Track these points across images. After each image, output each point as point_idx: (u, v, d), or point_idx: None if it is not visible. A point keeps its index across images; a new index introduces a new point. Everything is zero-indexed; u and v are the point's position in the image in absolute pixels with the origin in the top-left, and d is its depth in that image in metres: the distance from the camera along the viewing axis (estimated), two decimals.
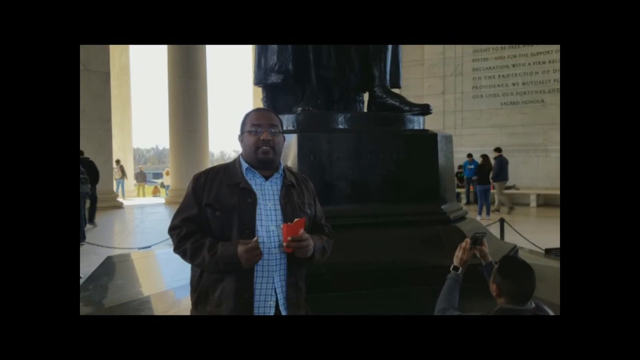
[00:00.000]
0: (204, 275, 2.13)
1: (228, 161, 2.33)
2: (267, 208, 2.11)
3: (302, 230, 2.02)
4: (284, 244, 2.00)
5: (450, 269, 2.47)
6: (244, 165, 2.18)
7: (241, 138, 2.22)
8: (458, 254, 2.48)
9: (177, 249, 2.13)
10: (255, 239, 1.99)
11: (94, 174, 12.18)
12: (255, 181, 2.15)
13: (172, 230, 2.16)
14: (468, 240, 2.51)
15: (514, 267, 2.12)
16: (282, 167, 2.23)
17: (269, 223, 2.09)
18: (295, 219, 2.03)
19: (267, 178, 2.17)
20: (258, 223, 2.07)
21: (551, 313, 2.03)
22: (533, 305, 2.05)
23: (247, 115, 2.23)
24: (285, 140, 2.30)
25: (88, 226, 11.48)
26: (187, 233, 2.10)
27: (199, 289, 2.14)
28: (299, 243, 2.00)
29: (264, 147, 2.12)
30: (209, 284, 2.11)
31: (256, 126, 2.15)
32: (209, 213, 2.10)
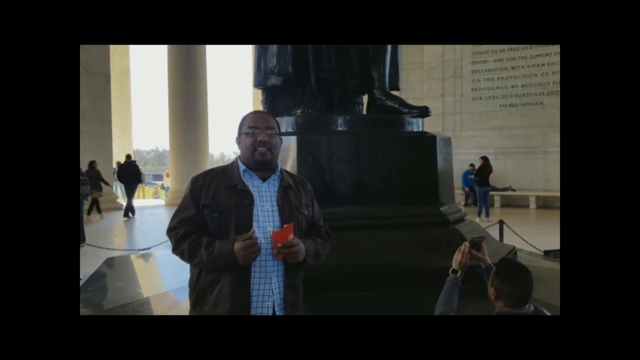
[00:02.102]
0: (201, 277, 2.14)
1: (228, 163, 2.34)
2: (265, 209, 2.13)
3: (291, 236, 2.03)
4: (274, 250, 2.02)
5: (449, 272, 2.46)
6: (242, 167, 2.20)
7: (239, 140, 2.24)
8: (457, 257, 2.46)
9: (175, 250, 2.15)
10: (251, 232, 2.00)
11: (138, 175, 15.47)
12: (253, 183, 2.17)
13: (170, 231, 2.17)
14: (467, 243, 2.50)
15: (512, 269, 2.12)
16: (279, 168, 2.25)
17: (266, 224, 2.10)
18: (284, 225, 2.05)
19: (264, 180, 2.19)
20: (255, 224, 2.08)
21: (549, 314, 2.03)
22: (532, 308, 2.04)
23: (244, 118, 2.25)
24: (285, 143, 2.31)
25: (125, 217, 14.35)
26: (184, 233, 2.12)
27: (197, 290, 2.15)
28: (289, 249, 2.02)
29: (261, 148, 2.13)
30: (206, 285, 2.12)
31: (253, 128, 2.17)
32: (207, 214, 2.12)
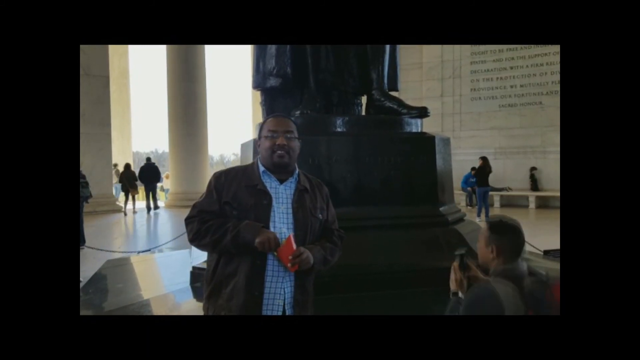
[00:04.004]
0: (218, 270, 2.21)
1: (228, 165, 2.39)
2: (280, 211, 2.20)
3: (294, 245, 2.08)
4: (288, 265, 2.07)
5: (450, 295, 2.29)
6: (261, 168, 2.28)
7: (258, 143, 2.33)
8: (452, 277, 2.28)
9: (199, 229, 2.18)
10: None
11: (157, 176, 17.46)
12: (271, 184, 2.24)
13: (191, 217, 2.24)
14: (455, 264, 2.30)
15: (506, 223, 2.12)
16: (297, 172, 2.33)
17: (281, 225, 2.18)
18: (283, 240, 2.10)
19: (282, 182, 2.26)
20: (271, 225, 2.16)
21: (544, 273, 2.04)
22: (525, 263, 2.05)
23: (264, 121, 2.35)
24: None
25: (153, 211, 16.27)
26: (210, 218, 2.19)
27: (213, 282, 2.22)
28: (300, 257, 2.07)
29: (280, 152, 2.22)
30: (222, 278, 2.19)
31: (272, 132, 2.25)
32: (227, 211, 2.20)
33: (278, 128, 2.25)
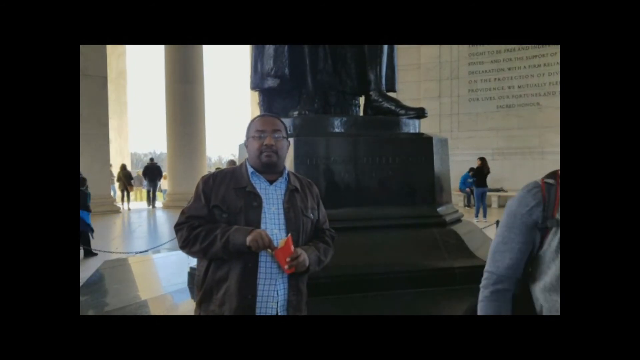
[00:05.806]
0: (208, 275, 2.17)
1: (226, 165, 2.37)
2: (271, 212, 2.16)
3: (292, 247, 2.06)
4: (285, 267, 2.04)
5: None
6: (250, 169, 2.23)
7: (246, 143, 2.28)
8: None
9: (188, 237, 2.15)
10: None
11: (159, 174, 20.02)
12: (260, 185, 2.20)
13: (180, 224, 2.20)
14: None
15: None
16: (286, 171, 2.28)
17: (273, 226, 2.14)
18: (281, 240, 2.08)
19: (271, 182, 2.22)
20: (262, 226, 2.12)
21: None
22: None
23: (252, 121, 2.29)
24: None
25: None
26: (198, 225, 2.15)
27: (204, 288, 2.18)
28: (297, 260, 2.05)
29: (267, 152, 2.17)
30: (213, 284, 2.15)
31: (260, 132, 2.20)
32: (217, 215, 2.16)
33: (265, 128, 2.21)
